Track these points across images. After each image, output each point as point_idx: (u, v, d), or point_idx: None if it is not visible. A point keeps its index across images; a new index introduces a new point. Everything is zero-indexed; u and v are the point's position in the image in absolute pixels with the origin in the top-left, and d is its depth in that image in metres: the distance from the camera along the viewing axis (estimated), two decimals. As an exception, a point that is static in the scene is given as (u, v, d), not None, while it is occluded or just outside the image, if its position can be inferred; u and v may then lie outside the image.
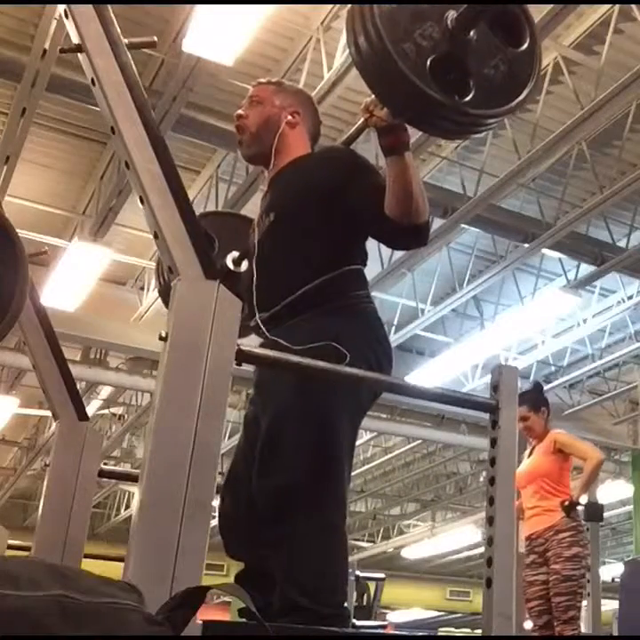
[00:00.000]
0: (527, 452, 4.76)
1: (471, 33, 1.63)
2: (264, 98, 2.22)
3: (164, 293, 2.35)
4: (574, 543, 4.43)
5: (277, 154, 2.16)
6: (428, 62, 1.56)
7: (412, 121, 1.74)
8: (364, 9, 1.59)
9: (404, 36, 1.56)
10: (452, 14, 1.61)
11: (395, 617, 15.92)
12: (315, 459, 1.86)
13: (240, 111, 2.22)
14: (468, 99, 1.60)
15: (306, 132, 2.23)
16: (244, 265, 1.60)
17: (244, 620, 1.75)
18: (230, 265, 1.46)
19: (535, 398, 4.75)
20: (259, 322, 1.94)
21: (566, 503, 4.44)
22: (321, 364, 1.61)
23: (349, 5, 1.66)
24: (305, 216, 2.02)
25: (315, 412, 1.88)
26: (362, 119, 1.83)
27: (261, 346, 1.92)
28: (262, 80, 2.31)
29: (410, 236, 1.92)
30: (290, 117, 2.17)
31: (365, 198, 1.96)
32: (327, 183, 2.02)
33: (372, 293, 2.22)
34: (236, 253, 1.62)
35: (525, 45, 1.72)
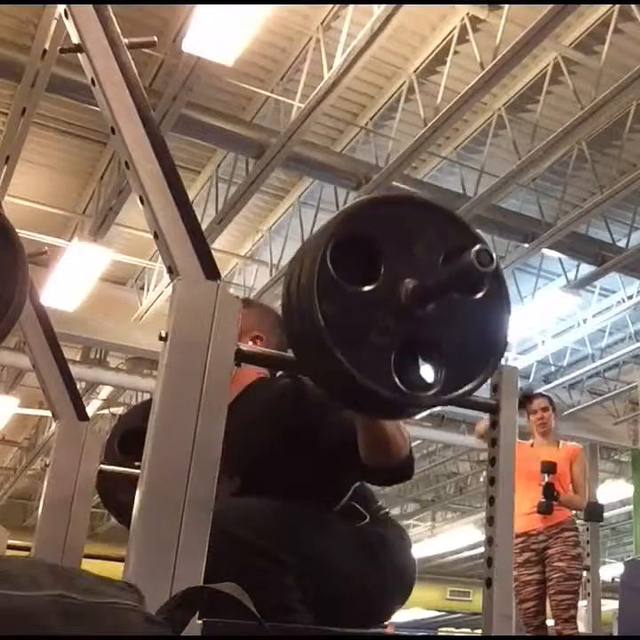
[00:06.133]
0: (528, 443, 4.77)
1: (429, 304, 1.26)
2: None
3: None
4: (578, 543, 4.50)
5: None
6: (392, 360, 1.23)
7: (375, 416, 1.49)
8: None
9: (358, 345, 1.21)
10: (406, 287, 1.24)
11: (395, 617, 15.92)
12: None
13: None
14: (438, 388, 1.27)
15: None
16: None
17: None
18: None
19: (550, 399, 5.01)
20: None
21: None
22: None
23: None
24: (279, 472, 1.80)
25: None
26: None
27: None
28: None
29: (394, 475, 1.74)
30: (250, 343, 1.96)
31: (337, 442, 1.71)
32: (293, 424, 1.81)
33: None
34: None
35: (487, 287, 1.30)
